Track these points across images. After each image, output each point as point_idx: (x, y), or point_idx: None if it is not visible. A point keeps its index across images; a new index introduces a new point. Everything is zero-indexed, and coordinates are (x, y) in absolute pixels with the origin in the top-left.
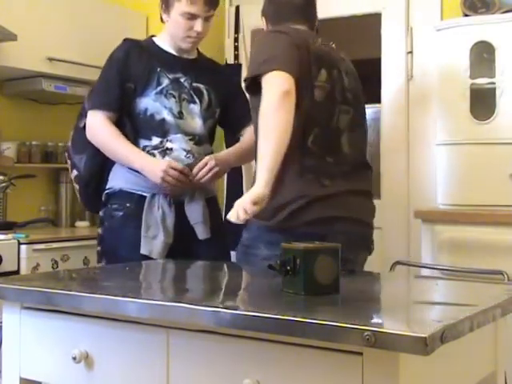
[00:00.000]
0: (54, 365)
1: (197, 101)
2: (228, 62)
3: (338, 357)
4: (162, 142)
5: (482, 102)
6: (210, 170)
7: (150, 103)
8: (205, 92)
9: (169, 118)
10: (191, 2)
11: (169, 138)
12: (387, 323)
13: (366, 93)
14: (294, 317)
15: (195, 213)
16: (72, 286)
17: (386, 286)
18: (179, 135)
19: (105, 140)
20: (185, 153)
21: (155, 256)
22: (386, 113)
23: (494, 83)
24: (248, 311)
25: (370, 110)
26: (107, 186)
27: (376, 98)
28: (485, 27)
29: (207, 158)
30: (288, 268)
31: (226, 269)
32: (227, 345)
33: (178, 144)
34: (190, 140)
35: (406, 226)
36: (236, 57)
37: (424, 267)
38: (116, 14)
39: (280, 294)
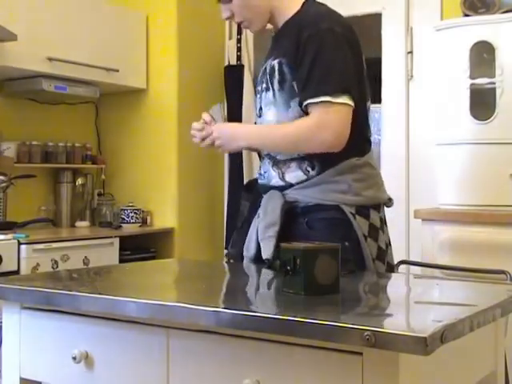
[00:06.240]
0: (53, 365)
1: (269, 86)
2: (230, 63)
3: (338, 357)
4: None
5: (482, 102)
6: (207, 137)
7: None
8: (276, 67)
9: (256, 119)
10: None
11: None
12: (387, 323)
13: None
14: (294, 317)
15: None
16: (72, 286)
17: (386, 286)
18: None
19: None
20: (268, 157)
21: None
22: (386, 113)
23: (494, 83)
24: (248, 311)
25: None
26: None
27: (376, 98)
28: (485, 27)
29: (213, 127)
30: (288, 268)
31: (226, 269)
32: (227, 345)
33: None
34: None
35: (405, 225)
36: (238, 58)
37: (428, 266)
38: (116, 13)
39: (280, 294)
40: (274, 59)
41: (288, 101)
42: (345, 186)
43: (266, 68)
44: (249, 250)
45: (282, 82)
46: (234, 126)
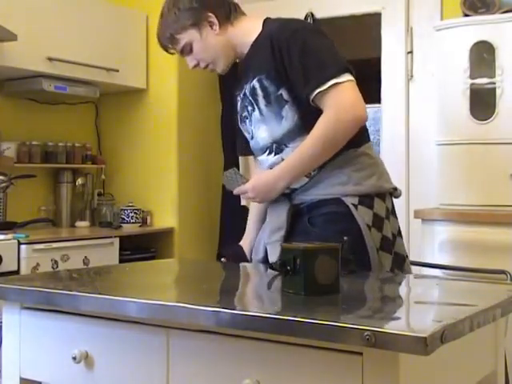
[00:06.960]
0: (54, 365)
1: (255, 106)
2: None
3: (338, 357)
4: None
5: (482, 102)
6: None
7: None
8: (257, 85)
9: (250, 141)
10: None
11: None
12: (387, 323)
13: (366, 93)
14: (294, 317)
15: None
16: (72, 286)
17: (386, 286)
18: (258, 157)
19: None
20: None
21: None
22: (386, 113)
23: (494, 83)
24: (248, 311)
25: (370, 110)
26: None
27: (376, 98)
28: (485, 27)
29: (246, 188)
30: (288, 268)
31: (226, 269)
32: (227, 345)
33: (260, 167)
34: (268, 154)
35: (406, 226)
36: None
37: (428, 266)
38: (116, 13)
39: (280, 294)
40: (252, 80)
41: (279, 112)
42: (344, 177)
43: (244, 93)
44: (257, 253)
45: (267, 97)
46: (262, 178)
